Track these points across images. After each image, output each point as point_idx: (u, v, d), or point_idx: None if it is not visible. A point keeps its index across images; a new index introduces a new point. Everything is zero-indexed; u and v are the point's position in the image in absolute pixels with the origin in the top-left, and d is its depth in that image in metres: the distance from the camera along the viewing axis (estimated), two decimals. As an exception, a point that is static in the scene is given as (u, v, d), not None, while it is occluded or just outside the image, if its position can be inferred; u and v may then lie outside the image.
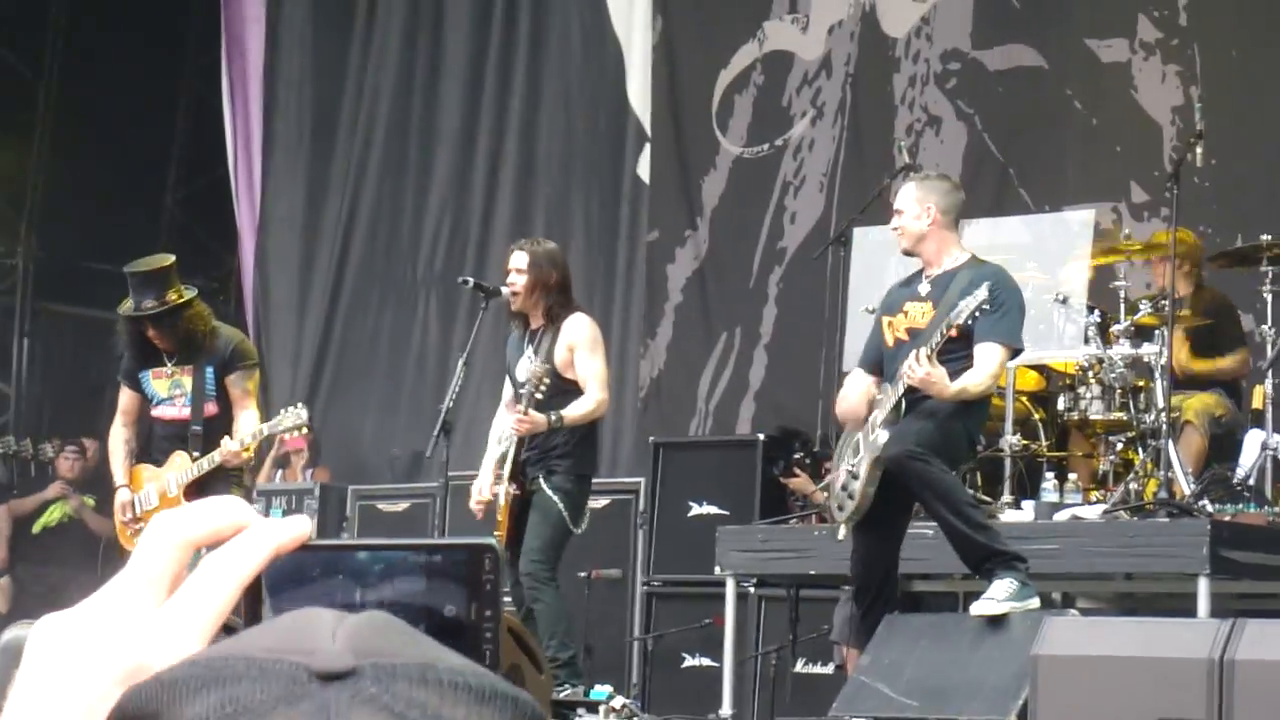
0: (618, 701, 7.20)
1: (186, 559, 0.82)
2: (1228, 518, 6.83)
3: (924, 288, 6.29)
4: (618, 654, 8.77)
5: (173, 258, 7.39)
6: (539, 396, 7.08)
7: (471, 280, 7.63)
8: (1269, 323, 7.44)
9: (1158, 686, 5.15)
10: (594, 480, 7.57)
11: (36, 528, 11.63)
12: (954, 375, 6.10)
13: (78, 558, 11.27)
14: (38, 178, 13.00)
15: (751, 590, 8.13)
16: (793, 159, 10.63)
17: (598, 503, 7.82)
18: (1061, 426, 7.85)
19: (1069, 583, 7.22)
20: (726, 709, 7.58)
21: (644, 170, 11.26)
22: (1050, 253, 8.04)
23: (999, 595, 6.08)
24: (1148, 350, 7.41)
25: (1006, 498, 7.42)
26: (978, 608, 6.17)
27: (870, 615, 6.36)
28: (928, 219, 6.30)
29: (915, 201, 6.33)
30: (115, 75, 12.60)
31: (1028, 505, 7.31)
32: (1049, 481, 7.49)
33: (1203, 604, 6.29)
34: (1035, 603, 6.16)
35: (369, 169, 12.53)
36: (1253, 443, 7.26)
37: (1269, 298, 7.46)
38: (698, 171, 10.95)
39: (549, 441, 7.17)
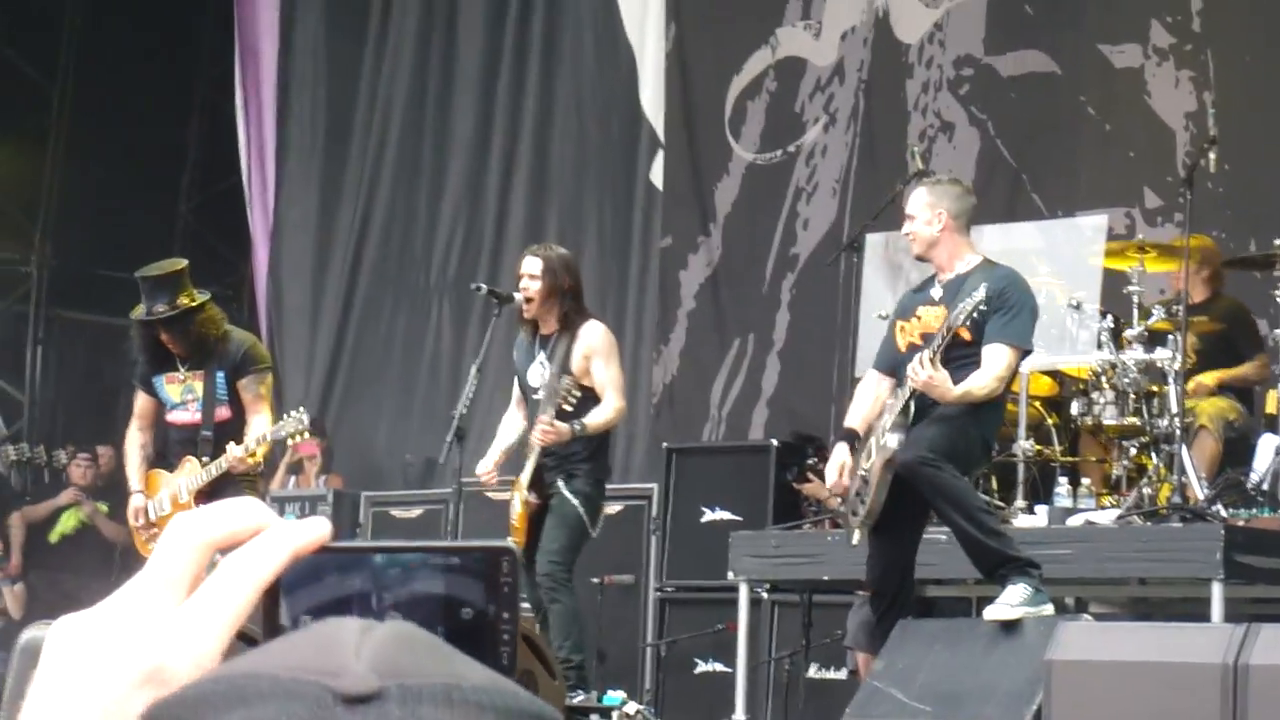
0: (631, 707, 7.20)
1: (205, 560, 0.82)
2: (1242, 522, 6.82)
3: (936, 292, 6.29)
4: (630, 660, 8.76)
5: (185, 262, 7.39)
6: (567, 408, 7.11)
7: (485, 286, 7.64)
8: (1283, 327, 7.43)
9: (1172, 692, 5.14)
10: (607, 486, 7.58)
11: (54, 537, 11.65)
12: (965, 377, 6.10)
13: (91, 564, 11.28)
14: (52, 185, 13.03)
15: (764, 595, 8.12)
16: (805, 165, 10.63)
17: (611, 508, 7.82)
18: (1075, 431, 7.84)
19: (1082, 588, 7.21)
20: (739, 715, 7.58)
21: (657, 176, 11.26)
22: (1063, 258, 8.03)
23: (1012, 600, 6.07)
24: (1161, 355, 7.40)
25: (1020, 503, 7.41)
26: (991, 613, 6.16)
27: (885, 620, 6.36)
28: (939, 224, 6.30)
29: (926, 206, 6.33)
30: (129, 82, 12.63)
31: (1041, 510, 7.30)
32: (1062, 486, 7.48)
33: (1216, 609, 6.28)
34: (1049, 608, 6.15)
35: (382, 175, 12.55)
36: (1266, 447, 7.25)
37: (1283, 302, 7.45)
38: (711, 178, 10.95)
39: (568, 447, 7.19)
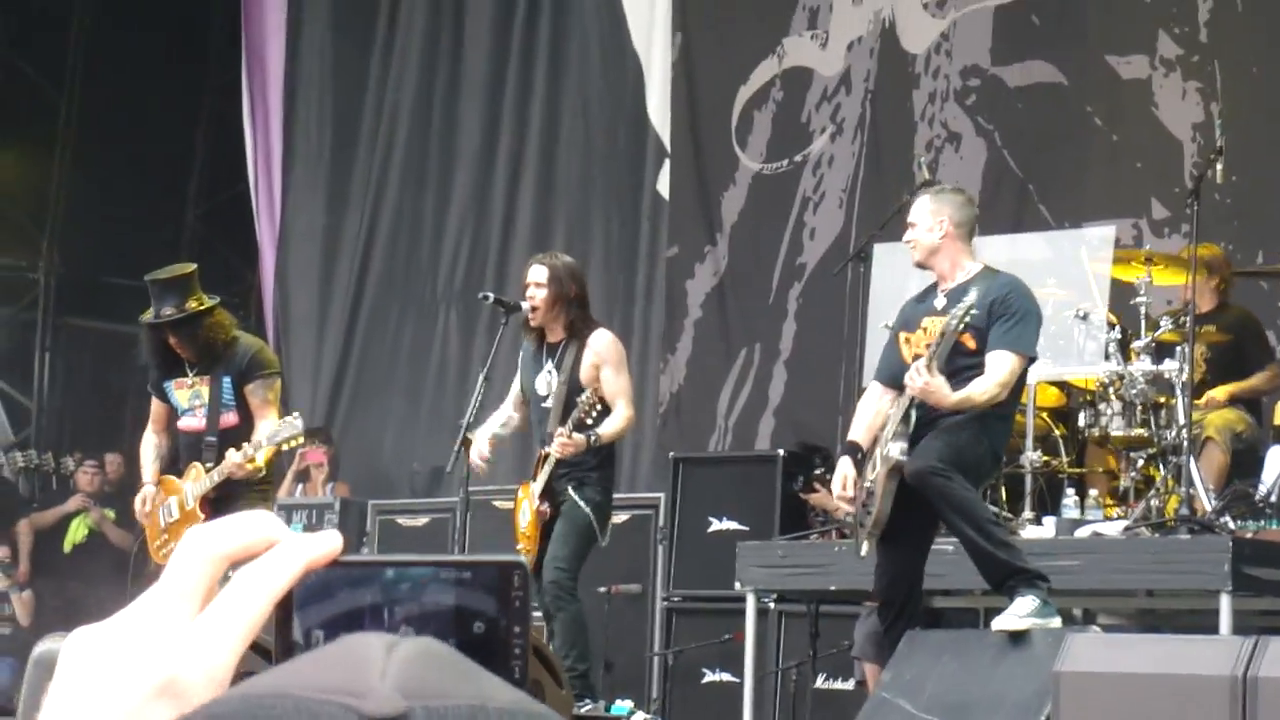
0: (638, 717, 7.20)
1: (219, 573, 0.82)
2: (1250, 534, 6.81)
3: (939, 301, 6.28)
4: (638, 669, 8.76)
5: (194, 266, 7.40)
6: (589, 422, 7.12)
7: (491, 295, 7.64)
8: (1291, 338, 7.43)
9: (1180, 704, 5.13)
10: (614, 495, 7.59)
11: (67, 546, 11.66)
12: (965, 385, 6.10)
13: (99, 571, 11.29)
14: (59, 193, 13.06)
15: (772, 606, 8.11)
16: (812, 175, 10.63)
17: (618, 518, 7.82)
18: (1082, 442, 7.83)
19: (1090, 599, 7.20)
20: (746, 725, 7.57)
21: (664, 186, 11.27)
22: (1070, 269, 8.03)
23: (1021, 612, 6.06)
24: (1169, 366, 7.39)
25: (1027, 514, 7.41)
26: (999, 623, 6.15)
27: (893, 630, 6.35)
28: (940, 231, 6.30)
29: (929, 214, 6.33)
30: (136, 90, 12.65)
31: (1049, 521, 7.29)
32: (1070, 498, 7.47)
33: (1225, 621, 6.27)
34: (1056, 621, 6.14)
35: (389, 184, 12.56)
36: (1275, 459, 7.24)
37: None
38: (717, 187, 10.96)
39: (578, 456, 7.19)
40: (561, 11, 11.85)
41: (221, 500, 6.99)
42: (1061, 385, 8.00)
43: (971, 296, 6.00)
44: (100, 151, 12.77)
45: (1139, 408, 7.43)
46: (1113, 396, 7.49)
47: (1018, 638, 6.08)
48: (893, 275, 8.17)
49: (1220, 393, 7.77)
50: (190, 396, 7.18)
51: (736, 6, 11.07)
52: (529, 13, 11.97)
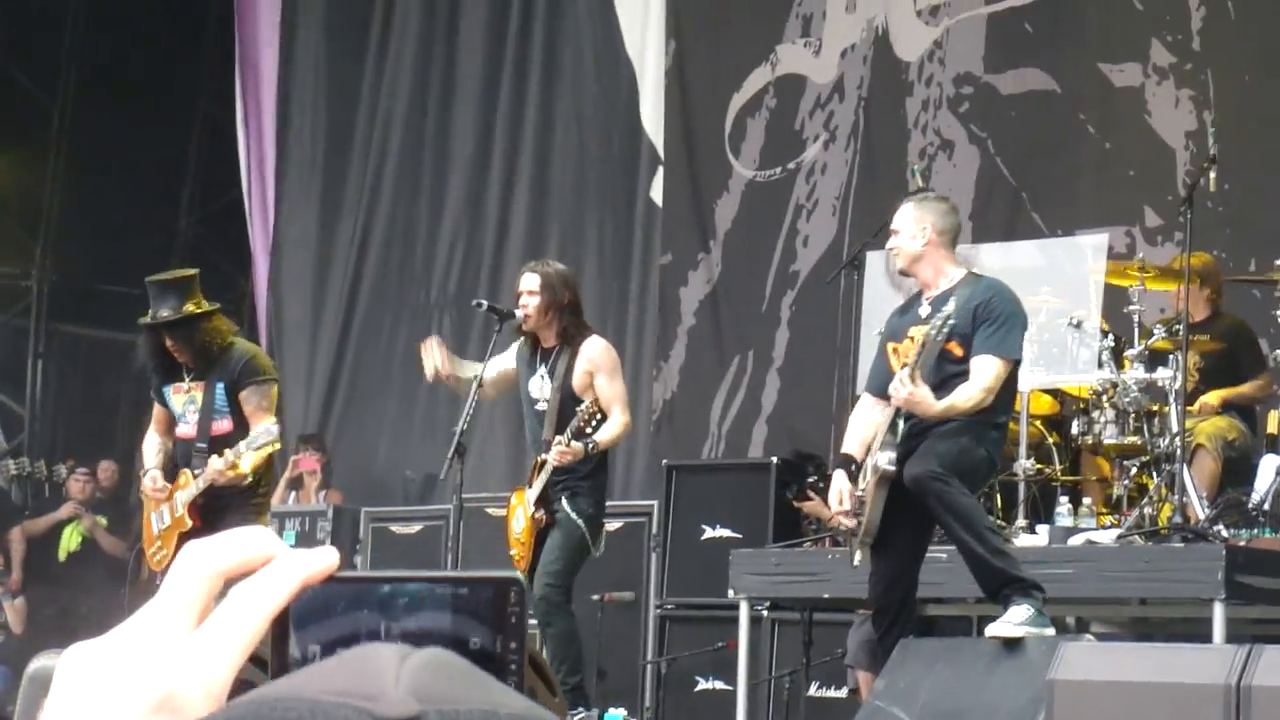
0: (631, 725, 7.19)
1: (216, 588, 0.82)
2: (1243, 542, 6.81)
3: (924, 310, 6.29)
4: (631, 677, 8.76)
5: (196, 270, 7.38)
6: (588, 430, 7.11)
7: (485, 303, 7.63)
8: (1284, 347, 7.44)
9: (1174, 713, 5.13)
10: (607, 503, 7.58)
11: (62, 554, 11.64)
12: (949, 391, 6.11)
13: (91, 579, 11.28)
14: (52, 199, 13.06)
15: (765, 614, 8.12)
16: (805, 182, 10.64)
17: (611, 525, 7.81)
18: (1075, 450, 7.84)
19: (1083, 607, 7.20)
20: (739, 733, 7.57)
21: (657, 193, 11.28)
22: (1063, 277, 8.04)
23: (1016, 620, 6.07)
24: (1162, 374, 7.40)
25: (1021, 522, 7.41)
26: (994, 629, 6.15)
27: (887, 638, 6.34)
28: (923, 239, 6.30)
29: (912, 221, 6.34)
30: (130, 98, 12.65)
31: (1042, 529, 7.30)
32: (1063, 506, 7.48)
33: (1218, 629, 6.27)
34: (1051, 632, 6.14)
35: (382, 191, 12.56)
36: (1268, 467, 7.25)
37: (1284, 322, 7.46)
38: (710, 195, 10.97)
39: (574, 463, 7.19)
40: (555, 18, 11.86)
41: (215, 510, 6.96)
42: (1055, 393, 8.01)
43: (950, 306, 6.01)
44: (93, 159, 12.77)
45: (1132, 416, 7.44)
46: (1106, 404, 7.50)
47: (1011, 646, 6.08)
48: (886, 283, 8.18)
49: (1213, 397, 7.78)
50: (185, 402, 7.15)
51: (730, 14, 11.08)
52: (523, 20, 11.98)
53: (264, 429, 6.88)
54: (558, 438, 7.13)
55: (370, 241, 12.57)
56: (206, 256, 12.90)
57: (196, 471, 7.03)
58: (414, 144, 12.38)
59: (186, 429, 7.15)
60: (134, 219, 12.74)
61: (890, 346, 6.36)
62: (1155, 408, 7.46)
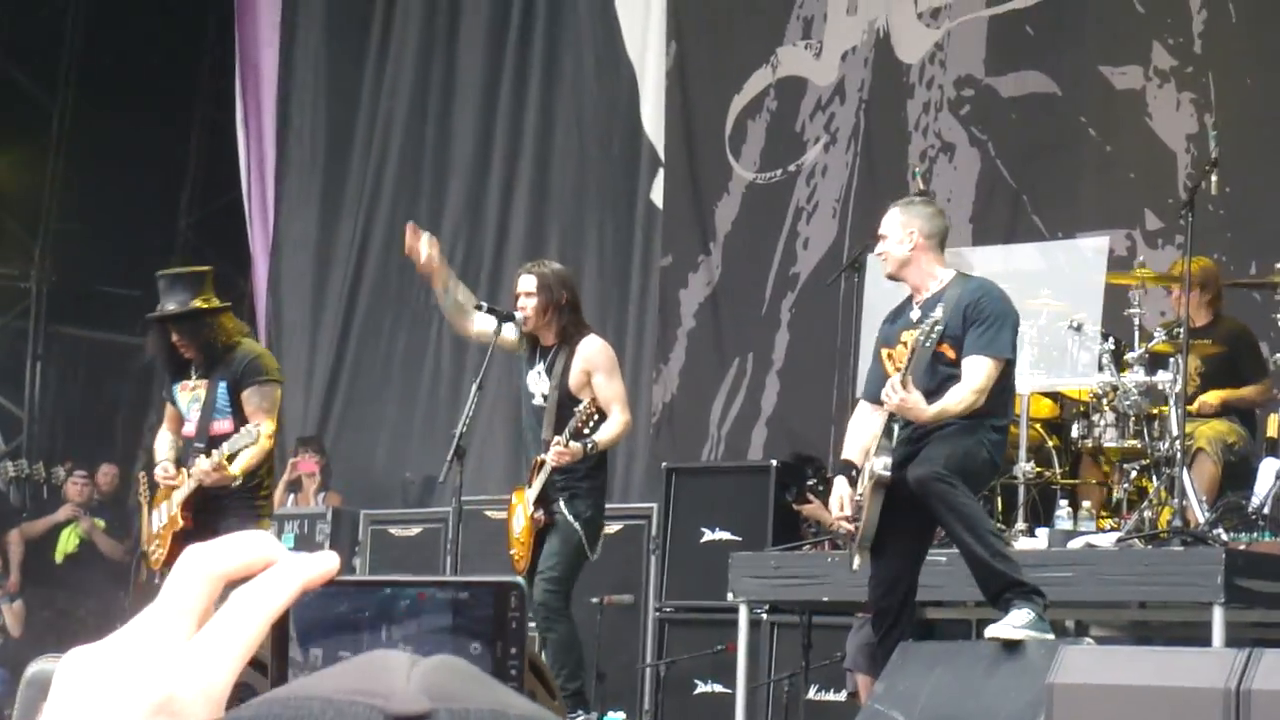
0: (630, 728, 7.18)
1: (216, 592, 0.82)
2: (1242, 546, 6.81)
3: (915, 313, 6.29)
4: (630, 680, 8.75)
5: (209, 268, 7.37)
6: (585, 431, 7.11)
7: (485, 305, 7.63)
8: (1284, 350, 7.44)
9: (1174, 716, 5.13)
10: (606, 506, 7.57)
11: (58, 556, 11.64)
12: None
13: (89, 581, 11.28)
14: (52, 201, 13.06)
15: (764, 617, 8.11)
16: (806, 185, 10.64)
17: (610, 528, 7.81)
18: (1075, 454, 7.84)
19: (1083, 611, 7.20)
20: (739, 736, 7.57)
21: (657, 195, 11.28)
22: (1064, 280, 8.04)
23: (1016, 623, 6.06)
24: (1162, 378, 7.40)
25: (1020, 525, 7.41)
26: (993, 630, 6.14)
27: (886, 641, 6.34)
28: (910, 244, 6.30)
29: (899, 226, 6.34)
30: (130, 99, 12.65)
31: (1042, 533, 7.30)
32: (1063, 509, 7.48)
33: (1217, 633, 6.27)
34: (1050, 637, 6.14)
35: (382, 192, 12.56)
36: (1268, 471, 7.25)
37: (1284, 325, 7.46)
38: (711, 197, 10.97)
39: (573, 463, 7.18)
40: (556, 20, 11.86)
41: (213, 512, 6.94)
42: (1055, 396, 8.00)
43: (937, 312, 6.02)
44: (93, 160, 12.76)
45: (1132, 419, 7.44)
46: (1106, 408, 7.50)
47: (1011, 649, 6.08)
48: (886, 285, 8.18)
49: (1213, 397, 7.77)
50: (190, 400, 7.13)
51: (731, 16, 11.08)
52: (523, 21, 11.98)
53: (246, 430, 6.86)
54: (556, 438, 7.13)
55: (370, 243, 12.57)
56: (206, 257, 12.90)
57: (191, 471, 7.02)
58: (414, 145, 12.38)
59: (189, 427, 7.13)
60: (133, 220, 12.74)
61: (884, 352, 6.37)
62: (1155, 411, 7.46)
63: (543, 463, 7.20)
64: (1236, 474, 7.54)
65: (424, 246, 7.24)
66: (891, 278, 6.48)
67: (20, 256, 13.12)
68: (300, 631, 0.84)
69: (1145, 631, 7.43)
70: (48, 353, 13.17)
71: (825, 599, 7.42)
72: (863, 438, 6.33)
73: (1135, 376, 7.45)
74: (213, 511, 6.95)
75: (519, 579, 0.87)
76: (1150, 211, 9.26)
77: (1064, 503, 7.55)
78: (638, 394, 10.64)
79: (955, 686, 6.13)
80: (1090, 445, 7.60)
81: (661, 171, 11.26)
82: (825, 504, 8.18)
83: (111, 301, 12.95)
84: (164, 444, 7.29)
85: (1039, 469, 7.67)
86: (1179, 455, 7.16)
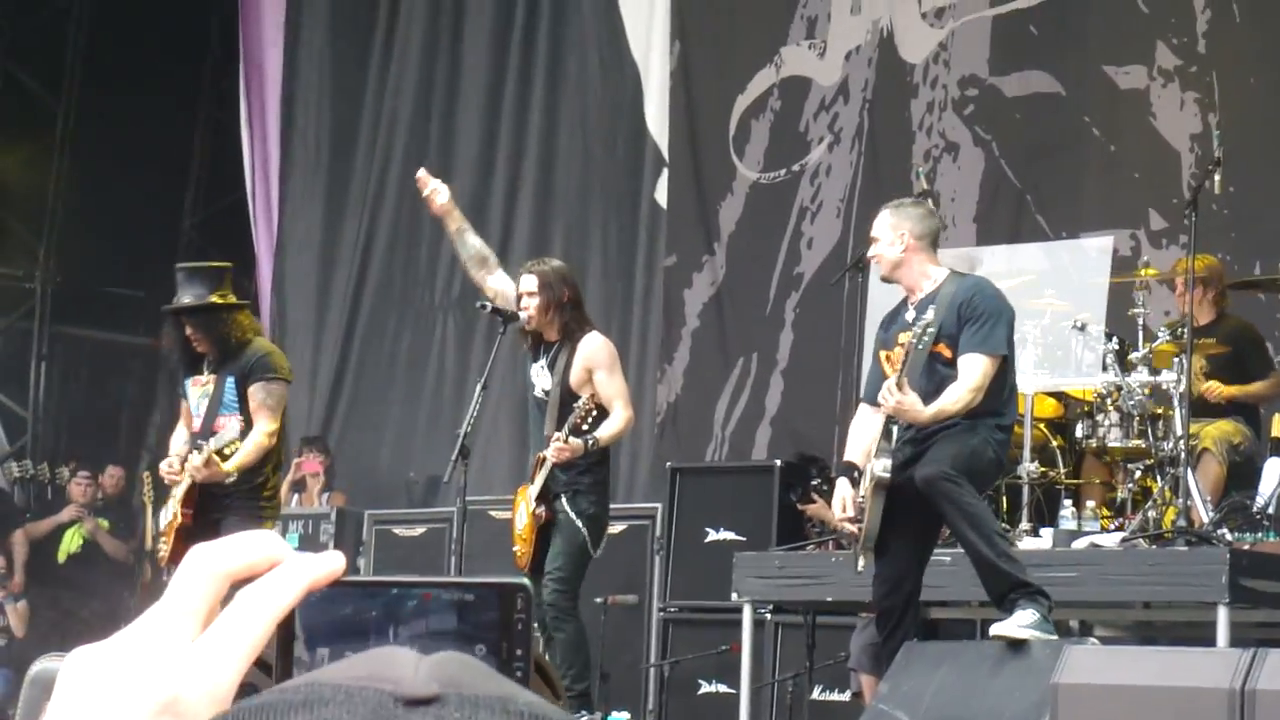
0: (634, 728, 7.18)
1: (222, 592, 0.82)
2: (1247, 546, 6.81)
3: (910, 315, 6.30)
4: (634, 680, 8.75)
5: (229, 264, 7.37)
6: (584, 427, 7.11)
7: (489, 305, 7.63)
8: (1289, 350, 7.44)
9: (1178, 716, 5.13)
10: (611, 505, 7.58)
11: (61, 556, 11.64)
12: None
13: (94, 582, 11.29)
14: (56, 201, 13.07)
15: (768, 617, 8.11)
16: (810, 184, 10.64)
17: (614, 528, 7.81)
18: (1079, 454, 7.83)
19: (1087, 611, 7.20)
20: (743, 736, 7.56)
21: (661, 195, 11.28)
22: (1068, 280, 8.04)
23: (1021, 622, 6.06)
24: (1166, 378, 7.40)
25: (1025, 525, 7.40)
26: (998, 629, 6.14)
27: (891, 641, 6.34)
28: (901, 245, 6.31)
29: (889, 228, 6.35)
30: (134, 99, 12.66)
31: (1046, 533, 7.29)
32: (1067, 509, 7.48)
33: (1222, 633, 6.26)
34: (1054, 639, 6.13)
35: (387, 192, 12.56)
36: (1272, 471, 7.24)
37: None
38: (715, 197, 10.97)
39: (574, 460, 7.19)
40: (560, 20, 11.87)
41: (215, 511, 6.93)
42: (1059, 396, 8.00)
43: (928, 315, 6.03)
44: (97, 160, 12.77)
45: (1136, 419, 7.43)
46: (1110, 408, 7.50)
47: (1015, 649, 6.08)
48: (890, 285, 8.17)
49: (1218, 385, 7.75)
50: (200, 395, 7.13)
51: (735, 16, 11.08)
52: (528, 21, 11.98)
53: (230, 427, 6.85)
54: (556, 434, 7.13)
55: (374, 243, 12.58)
56: (210, 257, 12.87)
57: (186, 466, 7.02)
58: (418, 145, 12.37)
59: (196, 423, 7.12)
60: (138, 220, 12.74)
61: (883, 354, 6.37)
62: (1159, 411, 7.45)
63: (544, 459, 7.21)
64: (1241, 474, 7.54)
65: (440, 191, 7.30)
66: (886, 279, 6.49)
67: (25, 257, 13.13)
68: (306, 632, 0.83)
69: (1150, 632, 7.43)
70: (52, 353, 13.17)
71: (829, 599, 7.42)
72: (864, 439, 6.34)
73: (1139, 376, 7.45)
74: (215, 510, 6.95)
75: (525, 580, 0.86)
76: (1154, 211, 9.26)
77: (1068, 503, 7.55)
78: (642, 394, 10.64)
79: (960, 687, 6.13)
80: (1094, 445, 7.59)
81: (666, 171, 11.26)
82: (829, 504, 8.19)
83: (116, 302, 12.96)
84: (177, 440, 7.28)
85: (1043, 469, 7.67)
86: (1183, 455, 7.15)
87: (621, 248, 11.44)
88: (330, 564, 0.82)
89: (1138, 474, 7.53)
